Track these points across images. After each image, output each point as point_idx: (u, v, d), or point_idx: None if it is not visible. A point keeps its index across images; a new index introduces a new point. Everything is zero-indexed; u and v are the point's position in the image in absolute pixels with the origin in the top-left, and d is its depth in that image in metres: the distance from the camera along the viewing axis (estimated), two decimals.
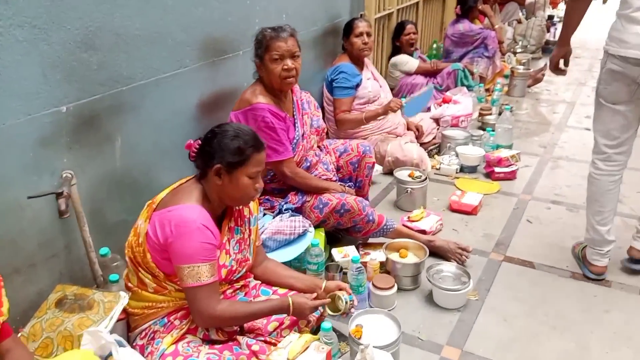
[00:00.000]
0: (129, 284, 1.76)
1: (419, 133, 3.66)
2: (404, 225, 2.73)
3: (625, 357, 1.98)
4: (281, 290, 1.91)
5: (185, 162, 1.78)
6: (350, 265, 2.15)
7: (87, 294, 1.75)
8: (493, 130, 3.71)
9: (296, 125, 2.42)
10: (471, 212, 2.94)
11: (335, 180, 2.56)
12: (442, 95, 4.10)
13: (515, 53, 5.86)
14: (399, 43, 4.21)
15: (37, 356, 1.60)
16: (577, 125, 4.36)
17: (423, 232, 2.67)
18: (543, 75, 5.31)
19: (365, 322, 1.90)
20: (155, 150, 2.19)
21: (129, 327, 1.78)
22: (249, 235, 1.86)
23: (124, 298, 1.72)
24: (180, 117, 2.31)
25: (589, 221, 2.37)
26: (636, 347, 2.02)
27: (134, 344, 1.72)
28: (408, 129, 3.63)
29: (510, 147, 3.63)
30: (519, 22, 6.52)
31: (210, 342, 1.72)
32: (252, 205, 1.88)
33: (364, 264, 2.31)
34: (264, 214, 2.38)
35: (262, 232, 2.22)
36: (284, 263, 2.10)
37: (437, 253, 2.50)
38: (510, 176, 3.35)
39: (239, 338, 1.75)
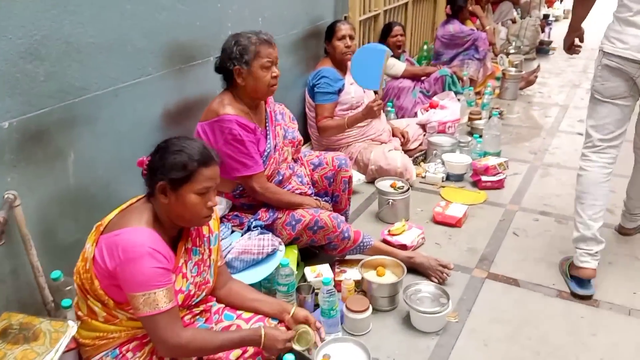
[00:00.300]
0: (79, 313, 1.64)
1: (404, 140, 3.54)
2: (384, 239, 2.61)
3: None
4: (246, 315, 1.78)
5: None
6: (321, 287, 2.03)
7: (33, 323, 1.61)
8: (480, 137, 3.58)
9: (268, 137, 2.29)
10: (455, 224, 2.82)
11: (310, 194, 2.42)
12: (428, 100, 3.97)
13: (508, 54, 5.73)
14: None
15: None
16: (569, 130, 4.25)
17: (404, 246, 2.55)
18: (536, 77, 5.20)
19: (333, 351, 1.79)
20: (114, 164, 2.06)
21: (80, 358, 1.66)
22: (209, 256, 1.74)
23: (72, 328, 1.58)
24: (144, 129, 2.18)
25: (579, 219, 2.28)
26: None
27: None
28: (393, 135, 3.51)
29: (498, 154, 3.51)
30: (514, 21, 6.39)
31: None
32: (212, 222, 1.75)
33: (338, 283, 2.19)
34: (232, 231, 2.25)
35: (228, 252, 2.09)
36: (253, 285, 1.97)
37: (417, 270, 2.38)
38: (498, 185, 3.22)
39: None
